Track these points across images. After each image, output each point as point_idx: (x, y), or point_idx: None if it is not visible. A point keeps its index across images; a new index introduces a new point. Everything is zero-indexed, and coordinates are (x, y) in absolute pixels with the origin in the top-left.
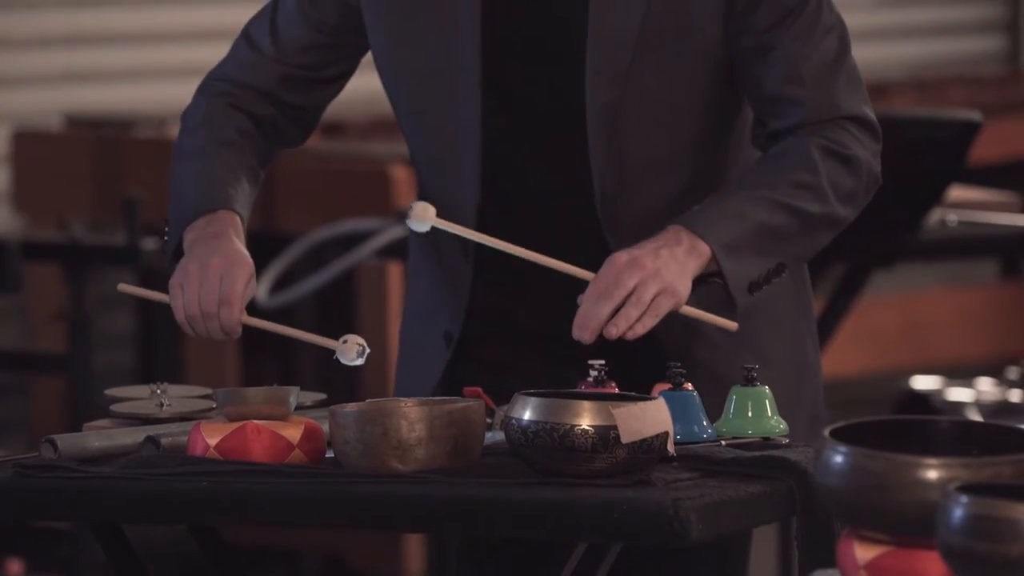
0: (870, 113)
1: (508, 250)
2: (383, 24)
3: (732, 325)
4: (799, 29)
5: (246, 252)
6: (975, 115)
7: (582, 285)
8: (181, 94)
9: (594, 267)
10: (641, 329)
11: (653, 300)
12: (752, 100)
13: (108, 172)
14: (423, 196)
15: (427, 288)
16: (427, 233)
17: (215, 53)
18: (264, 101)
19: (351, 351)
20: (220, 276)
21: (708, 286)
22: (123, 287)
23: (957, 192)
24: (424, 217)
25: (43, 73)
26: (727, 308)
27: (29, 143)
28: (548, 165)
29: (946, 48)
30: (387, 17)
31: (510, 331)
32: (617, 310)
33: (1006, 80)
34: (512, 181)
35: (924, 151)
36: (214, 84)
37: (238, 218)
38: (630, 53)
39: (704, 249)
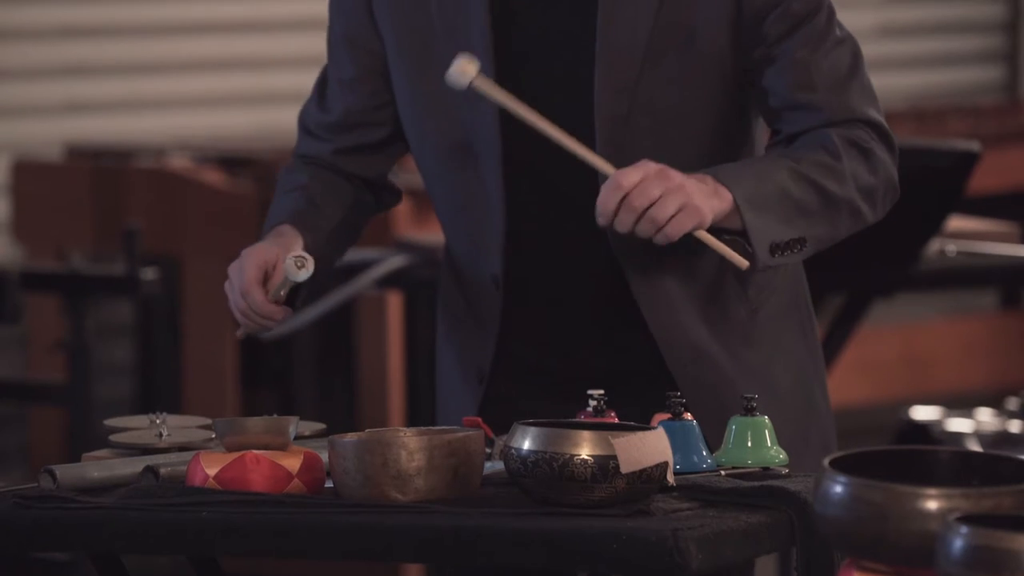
0: (885, 122)
1: (542, 128)
2: (403, 62)
3: (744, 263)
4: (809, 38)
5: (269, 243)
6: (974, 145)
7: (607, 323)
8: (181, 124)
9: (609, 299)
10: (662, 239)
11: (676, 214)
12: (765, 110)
13: (108, 202)
14: (448, 233)
15: (459, 322)
16: (454, 268)
17: (215, 84)
18: (333, 168)
19: (291, 267)
20: (238, 272)
21: (729, 241)
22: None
23: (956, 222)
24: (466, 72)
25: (43, 103)
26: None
27: (29, 173)
28: (564, 185)
29: (945, 79)
30: (405, 53)
31: (537, 370)
32: (635, 214)
33: (1005, 110)
34: (533, 205)
35: (923, 181)
36: (293, 158)
37: (286, 226)
38: (638, 65)
39: (727, 196)
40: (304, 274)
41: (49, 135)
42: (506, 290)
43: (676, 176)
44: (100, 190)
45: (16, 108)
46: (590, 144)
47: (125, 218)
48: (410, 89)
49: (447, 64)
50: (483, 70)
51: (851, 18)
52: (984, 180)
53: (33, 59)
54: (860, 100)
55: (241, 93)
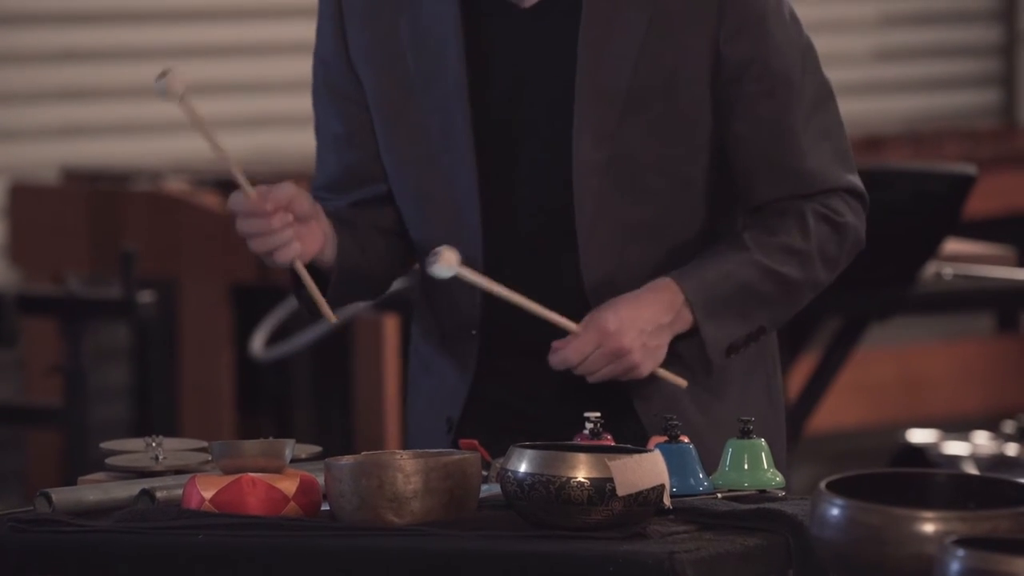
0: (858, 182)
1: (517, 302)
2: (383, 112)
3: (682, 382)
4: (788, 99)
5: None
6: (970, 169)
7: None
8: (177, 148)
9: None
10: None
11: (615, 375)
12: (742, 170)
13: (105, 225)
14: (427, 278)
15: (430, 371)
16: (434, 321)
17: (211, 107)
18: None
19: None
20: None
21: (687, 342)
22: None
23: (952, 245)
24: (451, 264)
25: (40, 127)
26: (703, 365)
27: (26, 197)
28: (542, 236)
29: (942, 102)
30: (384, 102)
31: (508, 416)
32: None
33: (1001, 134)
34: (511, 255)
35: (919, 204)
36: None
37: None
38: (617, 114)
39: (688, 318)
40: (163, 84)
41: (46, 158)
42: (482, 338)
43: (626, 345)
44: (97, 213)
45: (13, 131)
46: (567, 192)
47: (122, 241)
48: (388, 137)
49: (424, 112)
50: (458, 117)
51: (847, 42)
52: (980, 204)
53: (30, 83)
54: (839, 166)
55: (238, 116)
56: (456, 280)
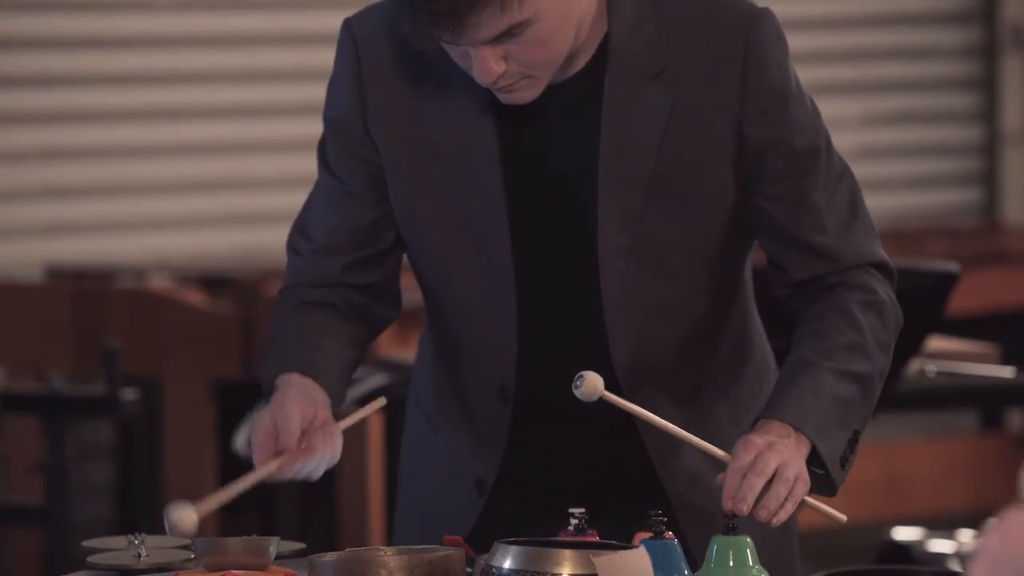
0: (886, 256)
1: (660, 425)
2: (403, 177)
3: (843, 517)
4: (814, 177)
5: (302, 396)
6: (953, 266)
7: (608, 441)
8: (161, 245)
9: (611, 420)
10: (784, 515)
11: (794, 484)
12: (770, 247)
13: (88, 323)
14: (446, 348)
15: (451, 440)
16: (452, 386)
17: (195, 204)
18: (335, 290)
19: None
20: (283, 422)
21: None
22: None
23: (936, 343)
24: (597, 388)
25: (23, 225)
26: (825, 485)
27: (9, 295)
28: (570, 311)
29: (924, 200)
30: (402, 170)
31: (545, 476)
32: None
33: (983, 232)
34: (541, 328)
35: (903, 302)
36: (284, 296)
37: (306, 379)
38: (641, 197)
39: (805, 441)
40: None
41: (30, 256)
42: (514, 404)
43: (782, 448)
44: (80, 311)
45: None
46: (593, 273)
47: (105, 339)
48: (408, 205)
49: (454, 188)
50: (490, 182)
51: None
52: (964, 301)
53: (13, 181)
54: (865, 241)
55: (222, 214)
56: (488, 345)
